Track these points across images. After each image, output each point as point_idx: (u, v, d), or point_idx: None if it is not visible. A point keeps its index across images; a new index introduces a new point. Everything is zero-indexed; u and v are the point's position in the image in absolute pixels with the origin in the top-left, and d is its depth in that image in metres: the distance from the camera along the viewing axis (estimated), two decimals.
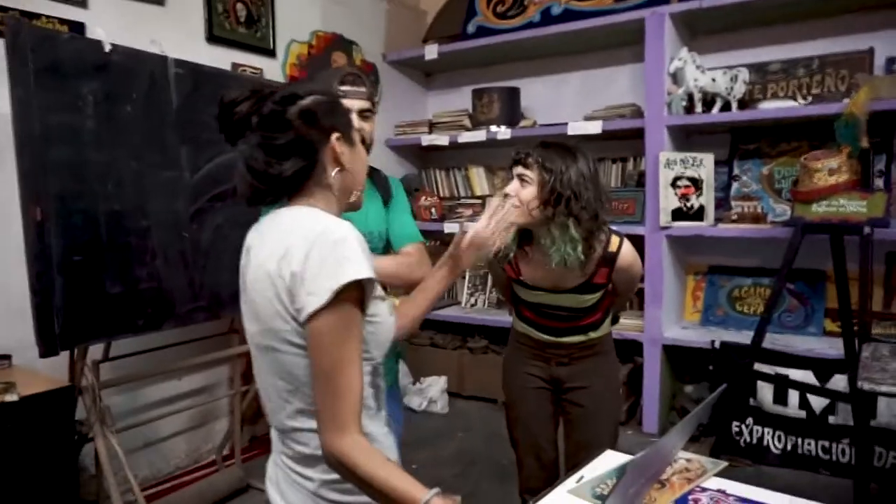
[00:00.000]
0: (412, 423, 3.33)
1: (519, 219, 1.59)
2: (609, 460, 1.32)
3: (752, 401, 2.87)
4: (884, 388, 1.65)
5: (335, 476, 0.94)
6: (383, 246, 1.71)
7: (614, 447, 1.80)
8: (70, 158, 1.83)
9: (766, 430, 2.83)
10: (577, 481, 1.23)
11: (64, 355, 1.99)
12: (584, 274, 1.66)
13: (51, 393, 1.83)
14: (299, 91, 1.00)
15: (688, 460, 1.30)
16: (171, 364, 2.48)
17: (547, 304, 1.75)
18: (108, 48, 1.92)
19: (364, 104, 1.59)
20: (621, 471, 1.25)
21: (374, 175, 1.75)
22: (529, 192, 1.58)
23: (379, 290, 1.01)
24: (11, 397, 1.74)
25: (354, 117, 1.60)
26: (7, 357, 2.03)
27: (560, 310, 1.75)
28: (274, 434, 1.06)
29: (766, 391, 2.83)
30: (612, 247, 1.67)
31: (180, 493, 2.52)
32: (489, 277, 3.87)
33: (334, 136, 1.01)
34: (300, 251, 0.90)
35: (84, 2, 2.39)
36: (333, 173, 1.01)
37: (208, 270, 2.21)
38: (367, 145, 1.63)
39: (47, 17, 2.27)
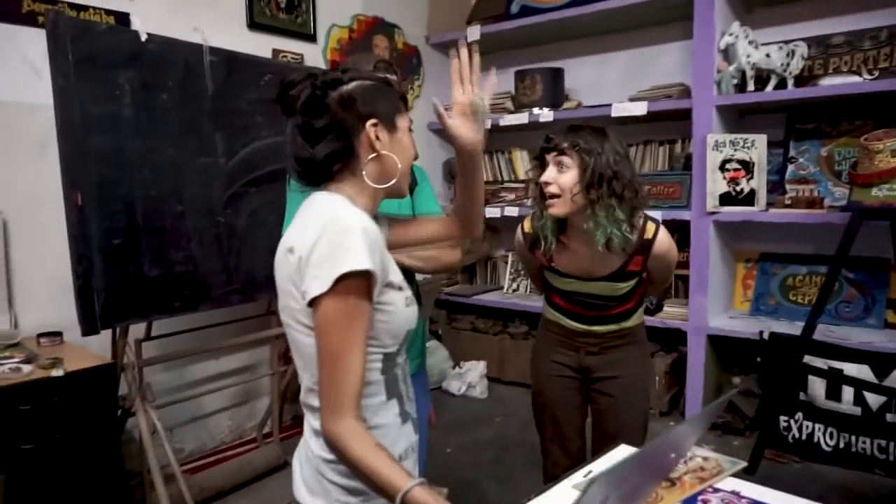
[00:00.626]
0: (450, 407, 3.36)
1: (562, 209, 1.56)
2: (621, 454, 1.28)
3: (802, 395, 2.73)
4: None
5: (332, 454, 0.96)
6: None
7: (643, 440, 1.76)
8: (109, 146, 1.91)
9: (816, 426, 2.69)
10: (585, 475, 1.20)
11: (109, 334, 2.10)
12: (624, 256, 1.61)
13: (94, 369, 1.92)
14: (344, 77, 1.02)
15: (704, 459, 1.24)
16: (211, 344, 2.57)
17: (579, 293, 1.71)
18: (143, 38, 1.98)
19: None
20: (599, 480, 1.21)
21: None
22: (570, 177, 1.53)
23: (396, 280, 1.01)
24: (58, 372, 1.85)
25: None
26: (58, 334, 2.15)
27: (592, 298, 1.71)
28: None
29: (818, 385, 2.68)
30: (648, 233, 1.62)
31: (220, 467, 2.62)
32: None
33: (370, 122, 1.01)
34: (312, 236, 0.93)
35: None
36: (368, 160, 1.02)
37: (243, 254, 2.27)
38: None
39: (94, 8, 2.36)
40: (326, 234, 0.93)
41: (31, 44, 2.18)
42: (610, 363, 1.75)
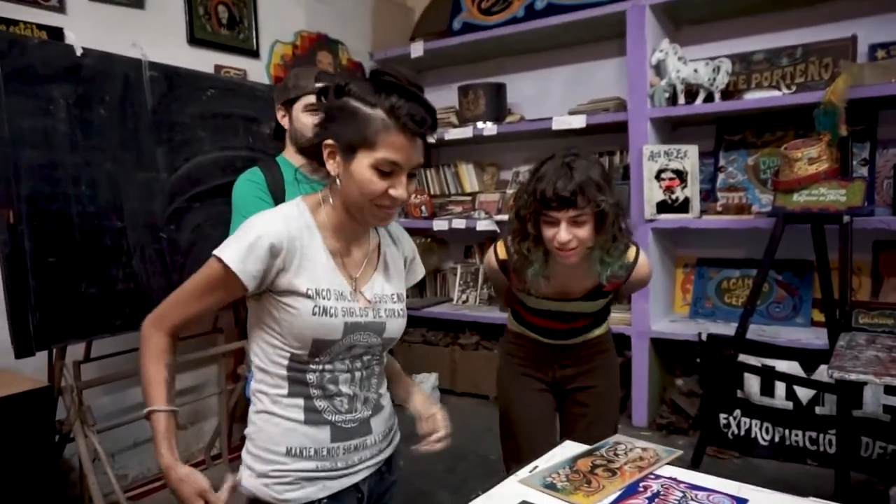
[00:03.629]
0: (403, 420, 3.34)
1: (578, 257, 1.50)
2: (566, 450, 1.33)
3: (739, 393, 2.86)
4: (853, 376, 1.64)
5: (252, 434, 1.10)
6: None
7: None
8: (42, 161, 1.86)
9: (753, 421, 2.82)
10: (531, 471, 1.24)
11: (46, 356, 2.02)
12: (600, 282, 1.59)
13: (29, 393, 1.86)
14: (345, 89, 1.04)
15: (643, 449, 1.30)
16: None
17: (553, 311, 1.68)
18: (79, 52, 1.94)
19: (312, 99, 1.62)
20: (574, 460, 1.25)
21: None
22: (588, 230, 1.46)
23: (303, 288, 1.04)
24: None
25: (304, 114, 1.64)
26: None
27: (565, 313, 1.69)
28: None
29: (753, 383, 2.82)
30: (629, 257, 1.59)
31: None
32: (480, 273, 3.88)
33: (326, 141, 1.05)
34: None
35: (63, 7, 2.41)
36: (334, 176, 1.07)
37: (187, 270, 2.22)
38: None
39: (25, 23, 2.30)
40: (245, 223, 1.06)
41: None
42: (583, 374, 1.74)
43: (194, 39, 2.89)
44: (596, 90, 3.44)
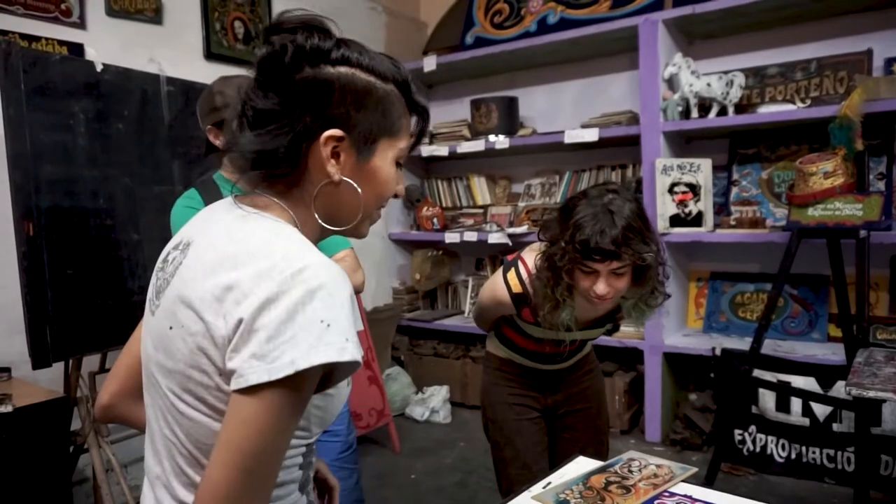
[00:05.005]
0: (414, 433, 3.35)
1: (611, 304, 1.45)
2: (579, 466, 1.32)
3: (754, 408, 2.82)
4: (871, 394, 1.62)
5: None
6: None
7: (606, 454, 1.78)
8: (61, 175, 1.89)
9: (769, 438, 2.78)
10: (544, 487, 1.23)
11: (62, 368, 2.04)
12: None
13: (45, 404, 1.87)
14: (335, 53, 0.74)
15: (658, 466, 1.29)
16: None
17: (553, 339, 1.60)
18: (99, 68, 1.98)
19: None
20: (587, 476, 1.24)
21: None
22: (626, 280, 1.38)
23: None
24: (6, 409, 1.79)
25: None
26: (6, 370, 2.09)
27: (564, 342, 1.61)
28: (147, 479, 0.79)
29: (768, 399, 2.78)
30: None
31: None
32: None
33: (329, 133, 0.72)
34: (261, 291, 0.63)
35: (83, 24, 2.46)
36: (321, 184, 0.74)
37: None
38: None
39: (47, 39, 2.35)
40: (288, 294, 0.63)
41: None
42: (574, 396, 1.71)
43: (211, 54, 2.94)
44: (608, 104, 3.44)
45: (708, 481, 2.53)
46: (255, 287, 0.64)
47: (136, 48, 2.60)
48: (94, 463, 2.04)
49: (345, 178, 0.74)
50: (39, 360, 1.82)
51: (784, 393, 2.73)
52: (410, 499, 2.63)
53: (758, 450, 2.80)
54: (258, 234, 0.69)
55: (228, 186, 1.56)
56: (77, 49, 2.42)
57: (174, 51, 2.77)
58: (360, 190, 0.75)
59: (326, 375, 0.68)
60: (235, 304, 0.64)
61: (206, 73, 2.86)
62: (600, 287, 1.35)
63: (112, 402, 0.90)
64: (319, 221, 0.75)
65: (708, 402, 3.08)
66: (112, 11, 2.54)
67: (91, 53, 2.07)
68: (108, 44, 2.51)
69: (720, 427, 2.80)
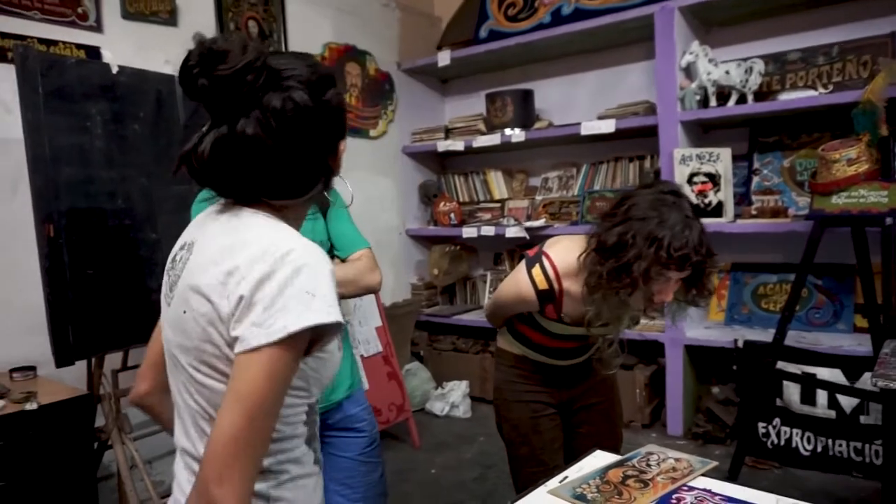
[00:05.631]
0: (434, 428, 3.35)
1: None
2: (596, 460, 1.30)
3: (778, 401, 2.77)
4: None
5: None
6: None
7: (620, 448, 1.77)
8: (80, 177, 1.92)
9: (794, 431, 2.73)
10: (561, 481, 1.22)
11: (85, 365, 2.08)
12: None
13: (69, 401, 1.91)
14: (320, 73, 0.82)
15: (676, 460, 1.27)
16: None
17: (575, 335, 1.58)
18: (115, 70, 2.00)
19: None
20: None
21: None
22: (680, 283, 1.37)
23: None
24: (31, 406, 1.83)
25: None
26: (31, 368, 2.13)
27: (585, 336, 1.59)
28: (179, 454, 0.90)
29: (793, 391, 2.73)
30: None
31: None
32: None
33: (343, 143, 0.88)
34: (255, 272, 0.76)
35: (100, 27, 2.49)
36: (322, 182, 0.87)
37: None
38: None
39: (64, 43, 2.39)
40: (280, 271, 0.75)
41: (1, 80, 2.19)
42: (589, 390, 1.69)
43: None
44: (625, 94, 3.40)
45: (731, 475, 2.49)
46: (251, 269, 0.76)
47: (151, 50, 2.63)
48: (118, 459, 2.08)
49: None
50: (62, 358, 1.85)
51: (809, 385, 2.67)
52: (430, 493, 2.63)
53: (782, 443, 2.75)
54: (250, 227, 0.82)
55: None
56: (94, 52, 2.45)
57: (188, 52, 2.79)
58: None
59: (316, 338, 0.80)
60: (236, 285, 0.76)
61: None
62: (669, 293, 1.34)
63: (148, 391, 1.03)
64: (304, 212, 0.92)
65: (731, 395, 3.03)
66: (128, 14, 2.57)
67: (107, 56, 2.09)
68: (125, 46, 2.54)
69: (743, 420, 2.76)
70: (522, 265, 1.54)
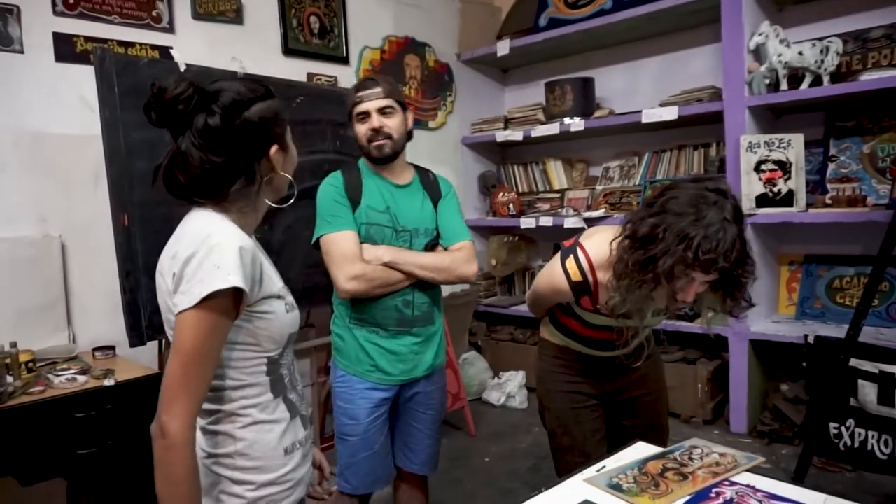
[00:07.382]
0: (490, 418, 3.37)
1: None
2: (637, 452, 1.29)
3: (853, 401, 2.62)
4: None
5: (220, 450, 1.03)
6: (429, 241, 1.76)
7: (665, 441, 1.73)
8: (150, 170, 2.03)
9: (869, 433, 2.57)
10: (598, 470, 1.22)
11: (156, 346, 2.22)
12: None
13: (142, 379, 2.05)
14: (243, 96, 1.02)
15: (721, 454, 1.24)
16: None
17: (613, 326, 1.55)
18: (182, 68, 2.11)
19: (382, 102, 1.67)
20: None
21: (423, 175, 1.81)
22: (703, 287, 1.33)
23: (275, 289, 1.06)
24: (109, 382, 1.97)
25: (375, 115, 1.68)
26: (111, 348, 2.29)
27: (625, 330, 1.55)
28: None
29: (869, 391, 2.57)
30: None
31: None
32: None
33: (273, 148, 1.05)
34: (184, 254, 0.97)
35: (172, 28, 2.64)
36: (264, 181, 1.06)
37: (279, 268, 2.33)
38: (396, 139, 1.70)
39: (140, 44, 2.54)
40: (200, 251, 0.96)
41: (86, 81, 2.36)
42: (633, 382, 1.66)
43: (288, 50, 3.06)
44: (689, 80, 3.28)
45: (797, 476, 2.38)
46: (183, 251, 0.98)
47: (220, 48, 2.76)
48: None
49: (281, 173, 1.08)
50: (135, 339, 1.99)
51: (888, 385, 2.51)
52: (483, 480, 2.66)
53: (856, 445, 2.60)
54: (191, 220, 1.05)
55: (369, 171, 1.75)
56: (167, 52, 2.60)
57: (255, 48, 2.91)
58: (288, 174, 1.10)
59: (239, 300, 0.99)
60: (174, 265, 0.99)
61: (285, 68, 3.00)
62: (691, 294, 1.29)
63: None
64: (268, 203, 1.10)
65: (800, 393, 2.89)
66: (197, 15, 2.71)
67: (176, 55, 2.22)
68: (195, 45, 2.67)
69: (813, 420, 2.62)
70: (557, 256, 1.53)
